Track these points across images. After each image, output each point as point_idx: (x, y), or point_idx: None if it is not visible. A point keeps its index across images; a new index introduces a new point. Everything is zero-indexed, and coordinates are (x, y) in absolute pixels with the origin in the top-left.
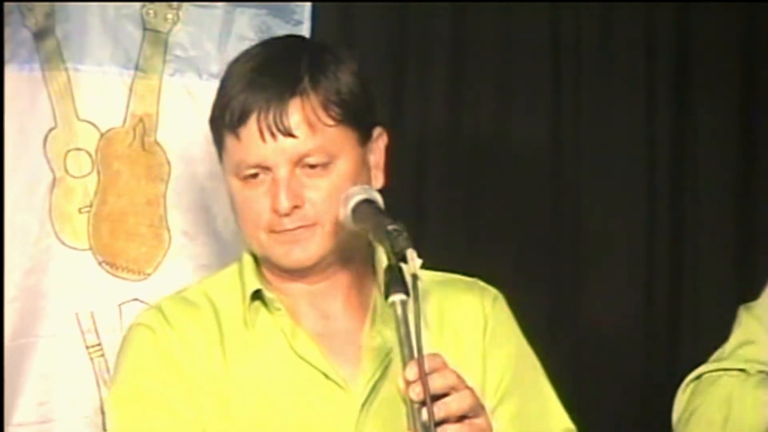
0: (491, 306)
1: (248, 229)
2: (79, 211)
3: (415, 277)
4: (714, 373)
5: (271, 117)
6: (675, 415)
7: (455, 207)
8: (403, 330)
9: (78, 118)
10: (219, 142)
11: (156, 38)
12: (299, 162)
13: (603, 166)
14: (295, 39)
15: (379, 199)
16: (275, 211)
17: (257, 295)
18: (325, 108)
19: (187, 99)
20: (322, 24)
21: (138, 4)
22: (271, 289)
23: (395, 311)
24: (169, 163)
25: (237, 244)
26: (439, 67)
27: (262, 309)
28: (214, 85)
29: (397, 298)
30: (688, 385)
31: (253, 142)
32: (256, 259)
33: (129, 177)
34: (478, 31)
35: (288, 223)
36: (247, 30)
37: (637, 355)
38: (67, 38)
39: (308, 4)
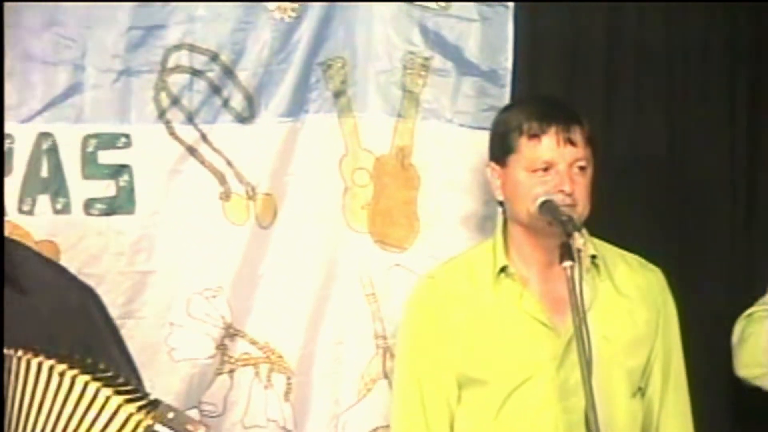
0: (663, 290)
1: (526, 202)
2: (362, 208)
3: (578, 250)
4: (763, 312)
5: (566, 132)
6: (734, 339)
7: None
8: (571, 285)
9: (361, 148)
10: (508, 147)
11: (411, 96)
12: (573, 163)
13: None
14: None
15: (556, 199)
16: (561, 191)
17: (503, 269)
18: (584, 136)
19: (431, 135)
20: (519, 86)
21: (399, 74)
22: (513, 262)
23: (566, 272)
24: (419, 177)
25: (462, 229)
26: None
27: (506, 279)
28: (449, 127)
29: (568, 264)
30: (742, 319)
31: (551, 146)
32: (505, 240)
33: (393, 186)
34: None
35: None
36: (469, 90)
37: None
38: (354, 96)
39: (509, 74)
